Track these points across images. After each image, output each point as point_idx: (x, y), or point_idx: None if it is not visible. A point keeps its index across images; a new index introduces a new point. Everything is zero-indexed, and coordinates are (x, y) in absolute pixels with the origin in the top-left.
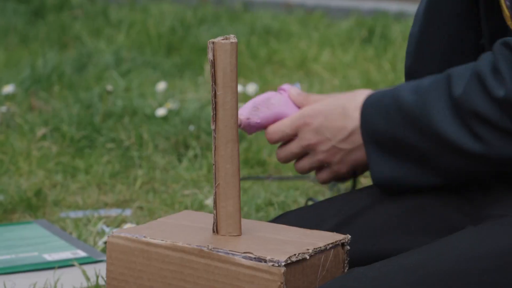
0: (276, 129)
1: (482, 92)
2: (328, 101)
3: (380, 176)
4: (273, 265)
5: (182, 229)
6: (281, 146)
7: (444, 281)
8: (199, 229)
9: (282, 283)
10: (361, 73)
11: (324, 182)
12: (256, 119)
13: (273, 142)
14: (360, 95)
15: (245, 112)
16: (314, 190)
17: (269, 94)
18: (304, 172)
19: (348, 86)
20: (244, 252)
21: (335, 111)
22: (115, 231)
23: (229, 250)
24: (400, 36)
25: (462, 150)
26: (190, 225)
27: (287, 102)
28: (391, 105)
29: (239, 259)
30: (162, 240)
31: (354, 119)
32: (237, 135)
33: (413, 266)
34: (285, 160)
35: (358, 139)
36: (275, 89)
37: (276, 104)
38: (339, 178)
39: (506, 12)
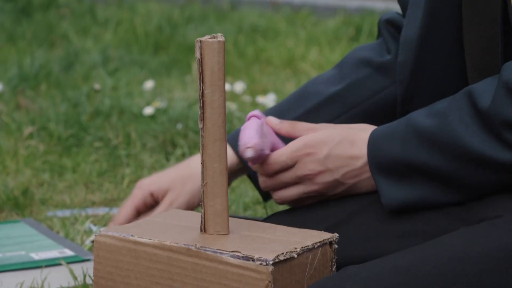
0: (277, 160)
1: None
2: (331, 132)
3: (393, 203)
4: (261, 264)
5: (170, 228)
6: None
7: (437, 282)
8: (187, 228)
9: (270, 282)
10: None
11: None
12: (266, 150)
13: (272, 172)
14: (367, 129)
15: (257, 141)
16: None
17: (257, 124)
18: (285, 200)
19: None
20: (232, 251)
21: (342, 143)
22: (103, 230)
23: (217, 249)
24: None
25: (496, 163)
26: (177, 224)
27: (269, 129)
28: (406, 132)
29: (226, 258)
30: (149, 239)
31: (363, 153)
32: (224, 134)
33: (406, 267)
34: (272, 189)
35: (365, 173)
36: (263, 87)
37: (269, 133)
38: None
39: None
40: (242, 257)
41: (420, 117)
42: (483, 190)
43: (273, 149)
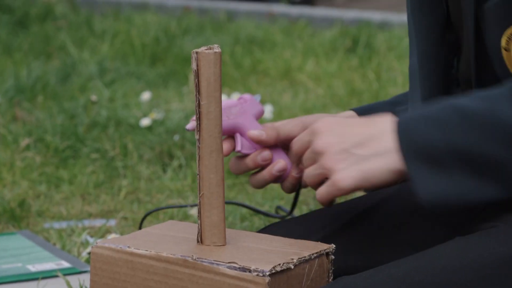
0: (297, 140)
1: None
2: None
3: (430, 197)
4: (257, 275)
5: (167, 239)
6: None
7: None
8: (184, 239)
9: None
10: (346, 82)
11: (322, 199)
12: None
13: (298, 154)
14: (385, 116)
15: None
16: (299, 200)
17: (230, 103)
18: (312, 181)
19: (333, 96)
20: (229, 262)
21: (356, 121)
22: (99, 241)
23: (214, 260)
24: (384, 45)
25: None
26: (174, 235)
27: (246, 113)
28: (447, 114)
29: (223, 269)
30: (146, 251)
31: (379, 126)
32: (221, 145)
33: (401, 276)
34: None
35: (377, 147)
36: (260, 98)
37: (235, 115)
38: (336, 194)
39: None
40: (239, 268)
41: (467, 101)
42: None
43: (235, 131)
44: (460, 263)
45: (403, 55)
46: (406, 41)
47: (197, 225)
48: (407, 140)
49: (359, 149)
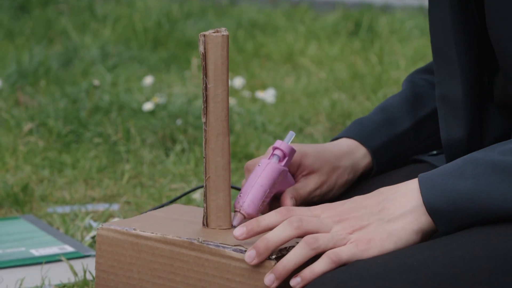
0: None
1: None
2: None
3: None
4: None
5: (172, 222)
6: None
7: (449, 282)
8: (189, 222)
9: None
10: (348, 66)
11: None
12: (256, 213)
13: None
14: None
15: (254, 212)
16: None
17: (271, 176)
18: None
19: (335, 79)
20: (235, 245)
21: (370, 197)
22: (105, 224)
23: (220, 243)
24: (387, 28)
25: None
26: (179, 219)
27: (286, 179)
28: (477, 168)
29: (229, 252)
30: (152, 233)
31: (395, 188)
32: (227, 128)
33: (417, 265)
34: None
35: (392, 211)
36: (263, 82)
37: (283, 179)
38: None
39: None
40: (245, 251)
41: (493, 154)
42: None
43: (277, 194)
44: (476, 254)
45: (405, 38)
46: (408, 24)
47: (201, 208)
48: (431, 195)
49: (380, 213)
